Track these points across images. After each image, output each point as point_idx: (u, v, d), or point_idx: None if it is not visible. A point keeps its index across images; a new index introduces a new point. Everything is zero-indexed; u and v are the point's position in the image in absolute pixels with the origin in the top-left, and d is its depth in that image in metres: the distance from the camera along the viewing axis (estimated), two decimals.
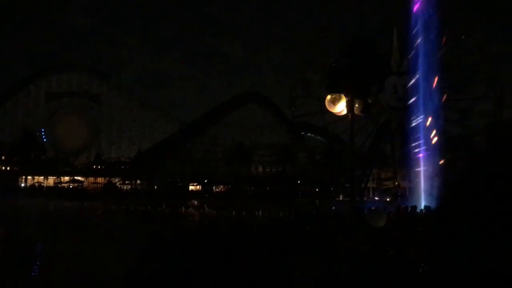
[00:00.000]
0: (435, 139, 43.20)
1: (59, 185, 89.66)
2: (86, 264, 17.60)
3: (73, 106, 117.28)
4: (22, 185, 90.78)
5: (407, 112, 61.35)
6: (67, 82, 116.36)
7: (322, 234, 10.08)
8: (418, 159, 45.70)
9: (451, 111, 69.20)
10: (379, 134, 77.23)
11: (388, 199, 71.04)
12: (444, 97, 54.31)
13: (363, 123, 69.31)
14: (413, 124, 49.30)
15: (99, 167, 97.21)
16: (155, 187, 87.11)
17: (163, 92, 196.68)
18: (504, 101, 73.52)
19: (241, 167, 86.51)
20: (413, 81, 50.90)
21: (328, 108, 30.12)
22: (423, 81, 46.35)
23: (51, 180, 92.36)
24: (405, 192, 68.48)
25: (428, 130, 44.59)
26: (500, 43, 75.03)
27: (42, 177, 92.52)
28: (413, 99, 49.80)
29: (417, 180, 46.85)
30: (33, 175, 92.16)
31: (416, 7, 47.36)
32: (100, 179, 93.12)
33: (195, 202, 68.16)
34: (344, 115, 28.10)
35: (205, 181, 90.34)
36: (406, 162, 62.54)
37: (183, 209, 54.68)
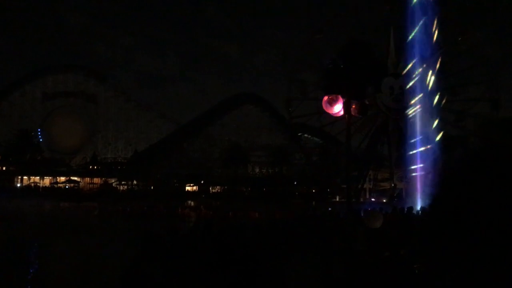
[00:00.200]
0: (432, 140, 43.28)
1: (55, 186, 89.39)
2: (82, 265, 17.54)
3: (69, 106, 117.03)
4: (18, 185, 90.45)
5: (403, 113, 61.60)
6: (63, 82, 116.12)
7: (318, 235, 10.07)
8: (414, 160, 45.83)
9: (447, 112, 69.37)
10: (375, 135, 77.33)
11: (384, 200, 71.19)
12: (443, 99, 54.48)
13: (360, 124, 69.38)
14: (410, 125, 49.44)
15: (95, 167, 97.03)
16: (152, 187, 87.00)
17: (159, 92, 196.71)
18: (500, 103, 73.73)
19: (237, 168, 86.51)
20: (410, 82, 51.05)
21: (325, 109, 30.04)
22: (419, 82, 46.47)
23: (47, 181, 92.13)
24: (402, 193, 68.66)
25: (425, 131, 44.69)
26: (496, 44, 75.33)
27: (38, 177, 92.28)
28: (409, 100, 49.95)
29: (413, 181, 46.97)
30: (29, 175, 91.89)
31: (412, 9, 47.48)
32: (96, 180, 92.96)
33: (192, 203, 68.07)
34: (341, 116, 28.07)
35: (202, 181, 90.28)
36: (402, 163, 62.73)
37: (179, 209, 54.53)
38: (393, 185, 77.53)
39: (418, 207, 24.44)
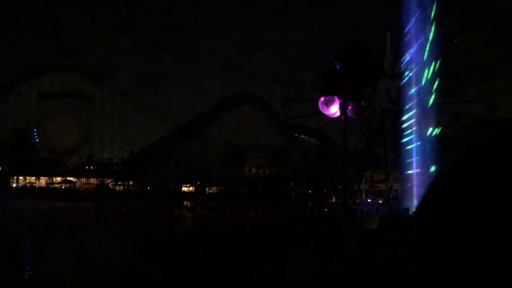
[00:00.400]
0: (428, 140, 43.40)
1: (51, 186, 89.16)
2: (78, 265, 17.52)
3: (66, 106, 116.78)
4: (14, 185, 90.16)
5: (400, 115, 61.75)
6: (59, 82, 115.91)
7: (315, 235, 10.11)
8: (410, 161, 45.96)
9: (443, 114, 69.59)
10: (372, 137, 77.52)
11: (380, 201, 71.31)
12: (439, 100, 54.62)
13: (356, 125, 69.56)
14: (406, 127, 49.58)
15: (91, 167, 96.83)
16: (148, 188, 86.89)
17: (156, 92, 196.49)
18: (496, 104, 73.98)
19: (234, 168, 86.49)
20: (406, 84, 51.15)
21: (321, 110, 30.13)
22: (415, 83, 46.62)
23: (43, 181, 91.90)
24: (398, 194, 68.81)
25: (421, 132, 44.82)
26: (492, 46, 75.59)
27: (34, 178, 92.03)
28: (405, 102, 50.08)
29: (409, 183, 47.12)
30: (24, 175, 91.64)
31: (409, 10, 47.63)
32: (92, 180, 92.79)
33: (188, 203, 68.00)
34: (337, 117, 28.14)
35: (198, 182, 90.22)
36: (398, 165, 62.89)
37: (176, 210, 54.47)
38: (389, 186, 77.71)
39: (414, 208, 24.52)
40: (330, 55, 28.65)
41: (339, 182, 68.96)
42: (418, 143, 44.36)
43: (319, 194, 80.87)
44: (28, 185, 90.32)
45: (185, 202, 69.41)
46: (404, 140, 50.23)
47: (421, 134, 44.70)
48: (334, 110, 27.43)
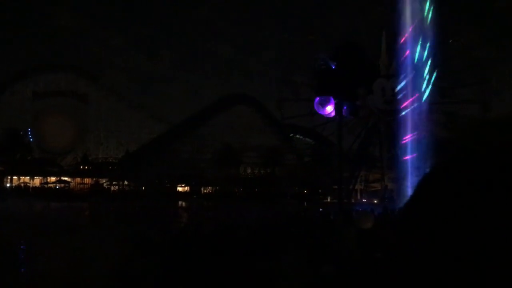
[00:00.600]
0: (423, 141, 43.51)
1: (46, 186, 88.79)
2: (72, 266, 17.44)
3: (60, 106, 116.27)
4: (8, 185, 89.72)
5: (395, 115, 61.85)
6: (54, 81, 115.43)
7: (310, 235, 10.09)
8: (406, 161, 46.07)
9: (438, 114, 69.78)
10: (367, 137, 77.54)
11: (375, 201, 71.47)
12: (434, 101, 54.86)
13: (352, 126, 69.55)
14: (401, 127, 49.68)
15: (86, 167, 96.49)
16: (143, 188, 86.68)
17: (151, 92, 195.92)
18: (491, 105, 74.25)
19: (229, 168, 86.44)
20: (401, 84, 51.27)
21: (317, 110, 30.14)
22: (411, 84, 46.73)
23: (37, 181, 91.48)
24: (393, 194, 68.94)
25: (416, 133, 44.92)
26: (487, 47, 75.91)
27: (28, 178, 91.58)
28: (401, 102, 50.20)
29: (404, 183, 47.20)
30: (19, 175, 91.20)
31: (405, 11, 47.73)
32: (87, 180, 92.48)
33: (183, 203, 67.95)
34: (333, 117, 28.14)
35: (193, 182, 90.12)
36: (394, 165, 62.99)
37: (170, 210, 54.41)
38: (384, 186, 77.84)
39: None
40: (324, 55, 28.67)
41: (334, 182, 68.93)
42: (413, 143, 44.48)
43: (314, 194, 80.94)
44: (22, 185, 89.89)
45: (180, 202, 69.37)
46: (399, 140, 50.33)
47: (416, 135, 44.81)
48: (329, 110, 27.46)
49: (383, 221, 15.19)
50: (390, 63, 70.27)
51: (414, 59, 46.22)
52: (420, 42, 47.17)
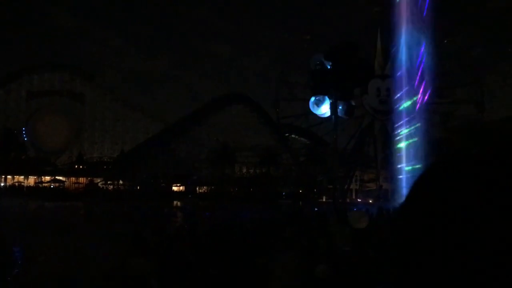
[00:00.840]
0: (418, 142, 43.64)
1: (40, 185, 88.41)
2: (66, 265, 17.39)
3: (55, 105, 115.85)
4: (2, 184, 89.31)
5: (390, 115, 62.05)
6: (50, 81, 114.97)
7: (304, 235, 10.10)
8: (400, 161, 46.19)
9: (433, 114, 70.11)
10: (362, 136, 77.85)
11: (370, 201, 71.64)
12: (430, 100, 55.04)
13: (347, 125, 69.73)
14: (396, 126, 49.81)
15: (81, 167, 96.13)
16: (138, 187, 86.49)
17: (147, 92, 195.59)
18: (485, 105, 74.63)
19: (225, 168, 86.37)
20: (396, 84, 51.37)
21: (312, 110, 30.21)
22: (405, 84, 46.84)
23: (31, 180, 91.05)
24: (388, 194, 69.15)
25: (411, 133, 45.03)
26: (482, 47, 76.21)
27: (23, 177, 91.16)
28: (395, 102, 50.31)
29: (399, 182, 47.33)
30: (13, 174, 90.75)
31: (400, 11, 47.83)
32: (82, 179, 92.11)
33: (178, 203, 67.84)
34: (328, 117, 28.23)
35: (189, 182, 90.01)
36: (388, 164, 63.18)
37: (166, 210, 54.29)
38: (379, 185, 78.10)
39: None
40: (319, 55, 28.74)
41: (329, 181, 69.08)
42: (408, 143, 44.61)
43: (309, 194, 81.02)
44: (17, 184, 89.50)
45: (175, 202, 69.26)
46: (394, 140, 50.50)
47: (411, 135, 44.94)
48: (324, 110, 27.59)
49: (378, 220, 15.24)
50: (385, 64, 70.58)
51: (409, 59, 46.33)
52: (414, 43, 47.29)
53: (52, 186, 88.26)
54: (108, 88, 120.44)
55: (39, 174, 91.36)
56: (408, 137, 45.21)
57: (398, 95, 48.63)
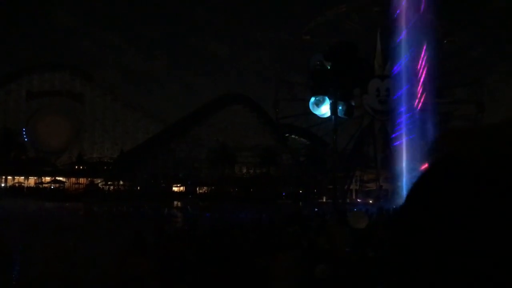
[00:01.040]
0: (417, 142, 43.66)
1: (40, 186, 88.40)
2: (65, 266, 17.39)
3: (55, 105, 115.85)
4: (2, 185, 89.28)
5: (389, 115, 62.01)
6: (49, 81, 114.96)
7: (304, 235, 10.11)
8: (400, 161, 46.18)
9: (433, 114, 70.05)
10: (362, 137, 77.79)
11: (371, 201, 71.60)
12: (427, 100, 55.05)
13: (346, 126, 69.67)
14: (396, 127, 49.82)
15: (81, 167, 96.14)
16: (138, 187, 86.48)
17: (147, 92, 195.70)
18: (485, 105, 74.57)
19: (225, 168, 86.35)
20: (396, 84, 51.36)
21: (312, 110, 30.21)
22: (405, 84, 46.86)
23: (32, 181, 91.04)
24: (388, 194, 69.12)
25: (410, 133, 45.06)
26: (482, 47, 76.19)
27: (23, 178, 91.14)
28: (395, 102, 50.31)
29: (399, 183, 47.33)
30: (13, 175, 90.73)
31: (399, 12, 47.87)
32: (82, 180, 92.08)
33: (178, 203, 67.86)
34: (328, 117, 28.24)
35: (189, 182, 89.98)
36: (388, 164, 63.13)
37: (166, 210, 54.32)
38: (379, 186, 78.05)
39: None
40: (319, 55, 28.74)
41: (329, 181, 69.10)
42: (408, 143, 44.62)
43: (309, 194, 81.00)
44: (17, 185, 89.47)
45: (175, 202, 69.28)
46: (394, 140, 50.50)
47: (410, 135, 44.95)
48: (324, 110, 27.60)
49: (378, 221, 15.24)
50: (385, 64, 70.56)
51: (409, 59, 46.37)
52: (414, 43, 47.31)
53: (52, 187, 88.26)
54: (108, 88, 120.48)
55: (39, 174, 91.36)
56: (408, 137, 45.23)
57: (398, 95, 48.65)
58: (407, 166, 43.76)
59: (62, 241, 24.36)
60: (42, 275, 16.07)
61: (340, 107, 25.11)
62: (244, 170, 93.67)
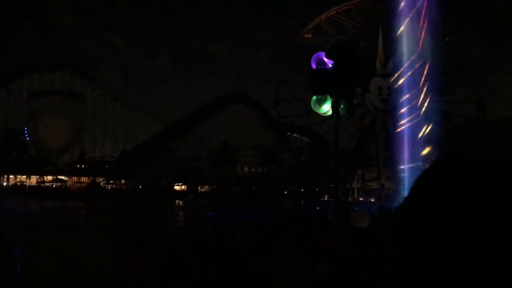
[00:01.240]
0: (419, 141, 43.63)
1: (42, 185, 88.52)
2: (67, 265, 17.38)
3: (57, 105, 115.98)
4: (4, 184, 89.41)
5: (391, 114, 61.97)
6: (50, 80, 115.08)
7: (306, 234, 10.07)
8: (402, 160, 46.13)
9: (434, 113, 69.97)
10: (363, 135, 77.69)
11: (372, 200, 71.57)
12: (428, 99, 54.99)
13: (348, 124, 69.63)
14: (398, 126, 49.74)
15: (82, 166, 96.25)
16: (140, 187, 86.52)
17: (148, 91, 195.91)
18: (486, 104, 74.48)
19: (226, 167, 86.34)
20: (398, 82, 51.32)
21: (313, 109, 30.14)
22: (407, 83, 46.80)
23: (33, 180, 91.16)
24: (389, 193, 69.10)
25: (412, 132, 45.00)
26: (483, 46, 76.13)
27: (25, 177, 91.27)
28: (397, 101, 50.27)
29: (400, 181, 47.29)
30: (15, 174, 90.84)
31: (401, 10, 47.78)
32: (83, 179, 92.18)
33: (180, 203, 67.86)
34: (329, 116, 28.17)
35: (190, 181, 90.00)
36: (390, 163, 63.09)
37: (167, 209, 54.31)
38: (381, 184, 78.03)
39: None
40: (320, 53, 28.69)
41: (330, 180, 69.05)
42: (410, 142, 44.56)
43: (311, 193, 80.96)
44: (19, 184, 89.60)
45: (177, 201, 69.30)
46: (396, 139, 50.39)
47: (413, 133, 44.91)
48: (326, 109, 27.51)
49: (380, 219, 15.18)
50: (387, 62, 70.47)
51: (410, 58, 46.31)
52: (416, 41, 47.25)
53: (54, 186, 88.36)
54: (109, 87, 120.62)
55: (41, 174, 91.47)
56: (410, 135, 45.19)
57: (400, 94, 48.60)
58: (408, 164, 43.72)
59: (64, 240, 24.37)
60: (43, 274, 16.06)
61: (341, 106, 25.02)
62: (246, 169, 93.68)
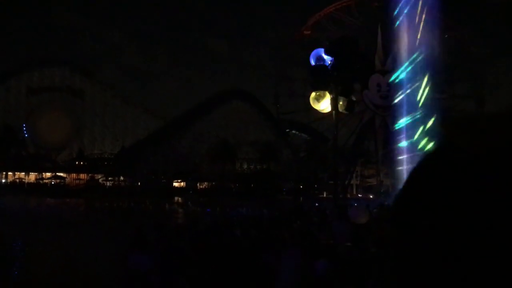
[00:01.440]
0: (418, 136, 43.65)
1: (41, 181, 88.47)
2: (67, 263, 17.41)
3: (55, 101, 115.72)
4: (3, 181, 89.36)
5: (390, 110, 61.95)
6: (49, 77, 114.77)
7: (305, 230, 10.10)
8: (401, 156, 46.15)
9: (433, 109, 69.95)
10: (362, 132, 77.75)
11: (371, 196, 71.66)
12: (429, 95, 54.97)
13: (347, 121, 69.64)
14: (397, 122, 49.76)
15: (81, 163, 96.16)
16: (139, 183, 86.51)
17: (147, 88, 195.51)
18: (485, 100, 74.49)
19: (225, 164, 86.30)
20: (396, 79, 51.31)
21: (312, 106, 30.12)
22: (406, 79, 46.79)
23: (32, 176, 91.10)
24: (388, 189, 69.16)
25: (411, 128, 45.02)
26: (482, 42, 76.08)
27: (23, 173, 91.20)
28: (396, 97, 50.30)
29: (400, 177, 47.33)
30: (13, 171, 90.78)
31: (400, 7, 47.73)
32: (82, 176, 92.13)
33: (179, 199, 67.92)
34: (328, 112, 28.16)
35: (189, 178, 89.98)
36: (389, 160, 63.15)
37: (166, 206, 54.39)
38: (380, 181, 78.12)
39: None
40: (319, 50, 28.65)
41: (330, 177, 69.05)
42: (409, 138, 44.57)
43: (310, 189, 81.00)
44: (17, 180, 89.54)
45: (176, 198, 69.36)
46: (395, 135, 50.41)
47: (412, 130, 44.90)
48: (325, 105, 27.49)
49: (379, 216, 15.23)
50: (386, 59, 70.47)
51: (409, 54, 46.25)
52: (414, 38, 47.19)
53: (53, 183, 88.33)
54: (108, 84, 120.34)
55: (40, 170, 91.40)
56: (409, 132, 45.20)
57: (399, 90, 48.59)
58: (407, 160, 43.75)
59: (63, 237, 24.38)
60: (43, 271, 16.08)
61: (340, 102, 25.03)
62: (245, 166, 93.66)
